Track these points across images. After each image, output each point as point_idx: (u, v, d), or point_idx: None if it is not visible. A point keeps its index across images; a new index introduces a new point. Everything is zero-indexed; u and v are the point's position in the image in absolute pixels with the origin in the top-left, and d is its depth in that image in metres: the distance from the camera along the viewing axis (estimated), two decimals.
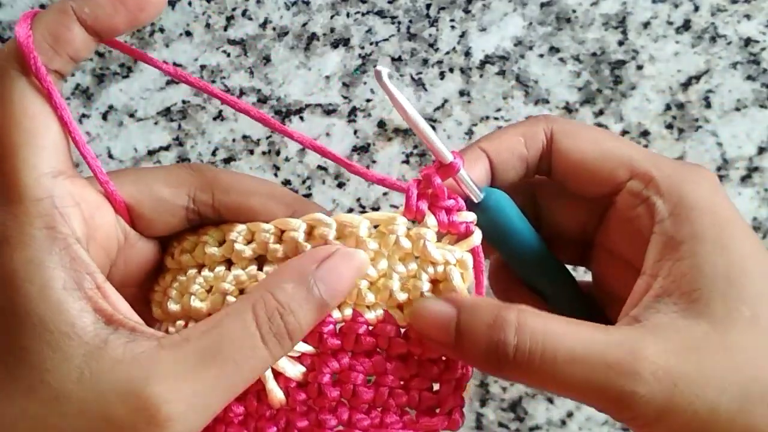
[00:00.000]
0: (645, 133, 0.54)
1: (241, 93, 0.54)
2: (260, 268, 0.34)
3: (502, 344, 0.30)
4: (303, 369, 0.34)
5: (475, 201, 0.34)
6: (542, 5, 0.54)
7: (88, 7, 0.30)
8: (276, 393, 0.33)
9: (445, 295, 0.33)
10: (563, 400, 0.55)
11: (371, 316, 0.34)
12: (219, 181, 0.35)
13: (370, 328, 0.34)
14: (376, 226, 0.34)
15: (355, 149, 0.55)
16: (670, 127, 0.54)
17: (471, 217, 0.34)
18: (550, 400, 0.55)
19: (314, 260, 0.31)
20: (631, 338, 0.30)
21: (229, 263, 0.35)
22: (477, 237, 0.34)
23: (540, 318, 0.30)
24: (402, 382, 0.34)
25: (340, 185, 0.55)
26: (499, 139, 0.35)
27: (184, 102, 0.55)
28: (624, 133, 0.54)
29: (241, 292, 0.34)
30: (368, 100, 0.54)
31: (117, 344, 0.28)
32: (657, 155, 0.34)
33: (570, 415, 0.55)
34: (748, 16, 0.54)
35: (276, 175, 0.55)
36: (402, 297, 0.34)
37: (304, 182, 0.55)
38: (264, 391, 0.33)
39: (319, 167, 0.55)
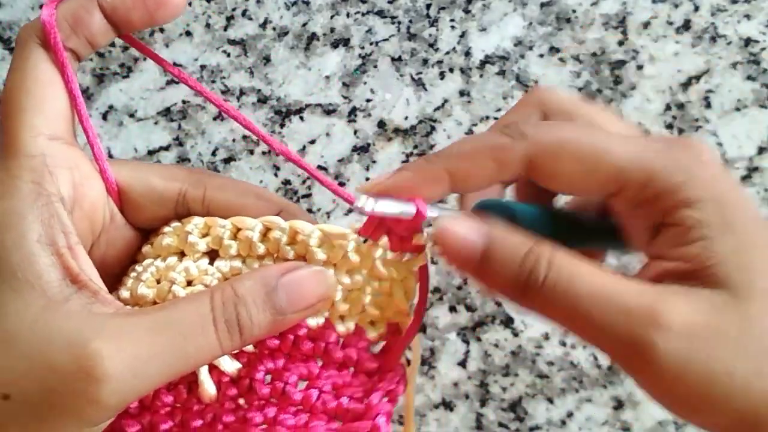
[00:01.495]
0: (645, 133, 0.54)
1: (241, 93, 0.54)
2: (211, 263, 0.34)
3: (534, 272, 0.30)
4: (239, 365, 0.34)
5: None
6: (542, 5, 0.54)
7: None
8: (207, 386, 0.33)
9: (472, 222, 0.31)
10: (563, 400, 0.55)
11: (312, 322, 0.34)
12: (213, 181, 0.35)
13: (310, 334, 0.34)
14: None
15: (355, 149, 0.55)
16: (670, 127, 0.54)
17: (422, 240, 0.33)
18: (550, 400, 0.55)
19: (282, 269, 0.32)
20: (654, 291, 0.30)
21: (182, 255, 0.35)
22: (424, 258, 0.34)
23: (571, 257, 0.30)
24: (334, 390, 0.34)
25: (340, 185, 0.55)
26: (468, 163, 0.32)
27: (184, 102, 0.55)
28: None
29: (189, 283, 0.34)
30: (368, 100, 0.54)
31: (76, 303, 0.29)
32: (646, 144, 0.32)
33: (570, 415, 0.55)
34: (748, 16, 0.54)
35: (276, 175, 0.55)
36: (344, 308, 0.34)
37: (303, 182, 0.55)
38: (195, 383, 0.34)
39: (319, 167, 0.55)
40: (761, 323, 0.29)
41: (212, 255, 0.35)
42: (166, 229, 0.35)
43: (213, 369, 0.34)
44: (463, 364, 0.55)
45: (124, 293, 0.35)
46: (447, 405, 0.56)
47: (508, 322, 0.55)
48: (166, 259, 0.35)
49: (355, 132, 0.55)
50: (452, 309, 0.55)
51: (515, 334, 0.55)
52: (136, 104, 0.55)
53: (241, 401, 0.34)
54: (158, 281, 0.35)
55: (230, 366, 0.34)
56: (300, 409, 0.33)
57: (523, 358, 0.55)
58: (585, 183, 0.32)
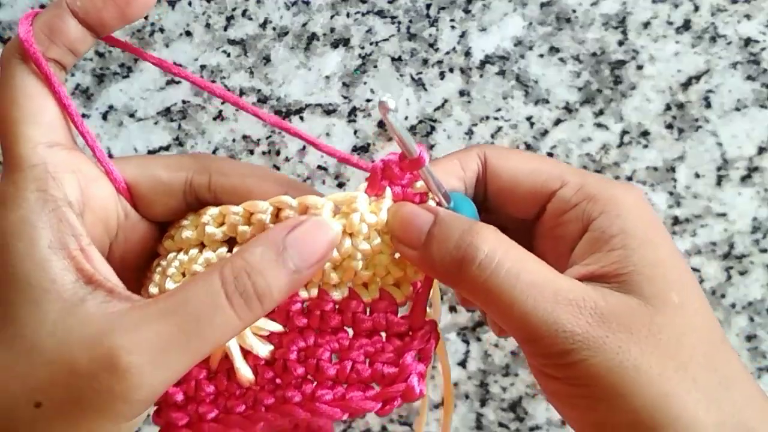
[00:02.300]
0: (645, 133, 0.54)
1: (241, 93, 0.54)
2: (231, 251, 0.35)
3: (472, 248, 0.31)
4: (271, 347, 0.34)
5: (441, 194, 0.35)
6: (542, 5, 0.54)
7: (79, 0, 0.32)
8: (244, 371, 0.34)
9: (423, 206, 0.34)
10: None
11: (337, 294, 0.34)
12: (216, 165, 0.36)
13: (336, 306, 0.34)
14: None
15: (355, 149, 0.55)
16: (670, 127, 0.54)
17: (423, 187, 0.35)
18: None
19: (285, 228, 0.32)
20: (582, 285, 0.32)
21: (203, 246, 0.36)
22: (432, 202, 0.35)
23: (512, 242, 0.32)
24: (366, 358, 0.34)
25: (340, 185, 0.55)
26: (439, 164, 0.36)
27: (184, 102, 0.55)
28: (624, 133, 0.54)
29: None
30: (368, 100, 0.54)
31: (92, 303, 0.29)
32: (588, 172, 0.36)
33: None
34: (748, 16, 0.54)
35: None
36: (366, 274, 0.34)
37: (304, 182, 0.55)
38: (233, 370, 0.34)
39: (319, 167, 0.55)
40: (667, 332, 0.31)
41: (231, 243, 0.35)
42: (184, 222, 0.36)
43: (248, 354, 0.35)
44: (463, 364, 0.55)
45: (153, 289, 0.36)
46: None
47: None
48: (188, 252, 0.35)
49: (355, 132, 0.55)
50: (452, 309, 0.55)
51: None
52: (136, 104, 0.55)
53: (279, 382, 0.34)
54: (183, 274, 0.35)
55: (263, 350, 0.34)
56: (336, 381, 0.34)
57: (523, 358, 0.55)
58: (531, 178, 0.36)
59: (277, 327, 0.35)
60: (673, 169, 0.54)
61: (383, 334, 0.34)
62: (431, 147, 0.55)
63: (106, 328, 0.29)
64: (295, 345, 0.34)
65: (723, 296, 0.55)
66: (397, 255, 0.35)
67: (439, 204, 0.35)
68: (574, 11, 0.54)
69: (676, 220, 0.55)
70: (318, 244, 0.32)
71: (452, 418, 0.55)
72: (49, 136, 0.32)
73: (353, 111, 0.55)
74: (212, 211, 0.35)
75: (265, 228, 0.34)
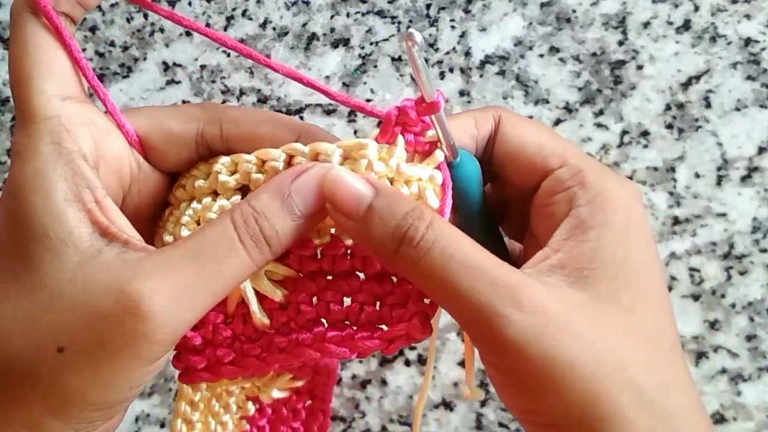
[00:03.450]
0: (645, 133, 0.54)
1: (241, 93, 0.54)
2: (244, 198, 0.35)
3: (412, 228, 0.31)
4: (285, 292, 0.35)
5: (449, 145, 0.35)
6: (542, 5, 0.54)
7: None
8: (260, 315, 0.35)
9: (363, 175, 0.34)
10: None
11: (349, 239, 0.35)
12: (227, 115, 0.36)
13: (349, 251, 0.35)
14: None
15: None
16: (670, 127, 0.54)
17: (434, 135, 0.35)
18: None
19: (290, 175, 0.33)
20: (522, 274, 0.32)
21: (215, 194, 0.36)
22: (440, 154, 0.35)
23: (451, 225, 0.32)
24: (376, 300, 0.34)
25: None
26: (454, 119, 0.36)
27: (184, 102, 0.55)
28: (624, 133, 0.54)
29: None
30: (368, 100, 0.54)
31: (109, 254, 0.30)
32: (592, 160, 0.36)
33: None
34: (748, 16, 0.54)
35: None
36: None
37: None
38: (249, 315, 0.35)
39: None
40: (609, 330, 0.31)
41: (244, 190, 0.36)
42: (194, 171, 0.37)
43: (263, 299, 0.35)
44: (463, 364, 0.55)
45: (167, 237, 0.36)
46: (447, 405, 0.56)
47: None
48: (201, 201, 0.36)
49: (355, 132, 0.55)
50: None
51: None
52: (136, 104, 0.55)
53: (293, 325, 0.35)
54: (198, 222, 0.36)
55: (277, 294, 0.35)
56: (346, 323, 0.34)
57: None
58: (535, 150, 0.36)
59: (290, 272, 0.35)
60: (673, 169, 0.54)
61: (393, 279, 0.35)
62: None
63: (127, 274, 0.29)
64: (308, 289, 0.35)
65: (723, 296, 0.55)
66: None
67: (446, 157, 0.35)
68: (574, 11, 0.54)
69: (676, 220, 0.55)
70: (322, 190, 0.33)
71: (449, 416, 0.55)
72: (63, 89, 0.32)
73: (353, 111, 0.55)
74: (224, 159, 0.36)
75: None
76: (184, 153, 0.36)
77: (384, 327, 0.34)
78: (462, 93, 0.54)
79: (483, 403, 0.56)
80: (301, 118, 0.54)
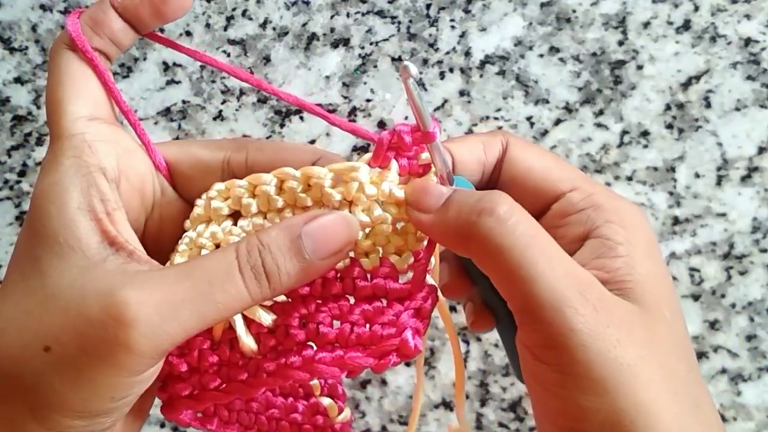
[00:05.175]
0: (645, 133, 0.54)
1: (241, 93, 0.54)
2: (236, 224, 0.36)
3: (492, 203, 0.32)
4: (274, 317, 0.35)
5: (446, 173, 0.35)
6: (542, 5, 0.54)
7: None
8: (247, 340, 0.35)
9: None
10: None
11: (339, 263, 0.35)
12: (254, 143, 0.38)
13: (339, 274, 0.35)
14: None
15: (355, 149, 0.55)
16: (670, 127, 0.54)
17: (428, 158, 0.35)
18: None
19: (306, 218, 0.33)
20: (590, 273, 0.32)
21: (210, 220, 0.36)
22: (432, 178, 0.35)
23: (528, 214, 0.32)
24: (366, 322, 0.34)
25: None
26: (463, 142, 0.37)
27: (184, 102, 0.55)
28: (624, 133, 0.54)
29: (217, 246, 0.35)
30: (368, 100, 0.54)
31: (112, 263, 0.31)
32: (598, 183, 0.37)
33: None
34: (748, 16, 0.54)
35: None
36: (367, 244, 0.35)
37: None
38: (236, 340, 0.35)
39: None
40: (659, 342, 0.31)
41: (238, 216, 0.36)
42: (198, 201, 0.37)
43: (251, 323, 0.35)
44: (463, 364, 0.55)
45: (179, 259, 0.36)
46: (447, 405, 0.56)
47: None
48: (196, 228, 0.36)
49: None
50: (452, 309, 0.55)
51: None
52: (136, 104, 0.55)
53: (281, 348, 0.35)
54: (191, 250, 0.36)
55: (266, 318, 0.35)
56: (336, 345, 0.34)
57: None
58: (544, 174, 0.36)
59: (280, 297, 0.35)
60: (673, 169, 0.54)
61: (384, 301, 0.35)
62: None
63: (120, 282, 0.30)
64: (297, 312, 0.35)
65: (723, 296, 0.55)
66: (399, 225, 0.35)
67: (441, 183, 0.35)
68: (574, 11, 0.54)
69: (676, 220, 0.55)
70: (334, 238, 0.33)
71: (454, 415, 0.55)
72: (91, 111, 0.35)
73: (353, 111, 0.55)
74: (218, 186, 0.36)
75: (269, 199, 0.35)
76: (210, 180, 0.37)
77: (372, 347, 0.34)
78: (462, 93, 0.54)
79: (483, 403, 0.56)
80: (301, 118, 0.54)
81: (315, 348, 0.34)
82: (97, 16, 0.35)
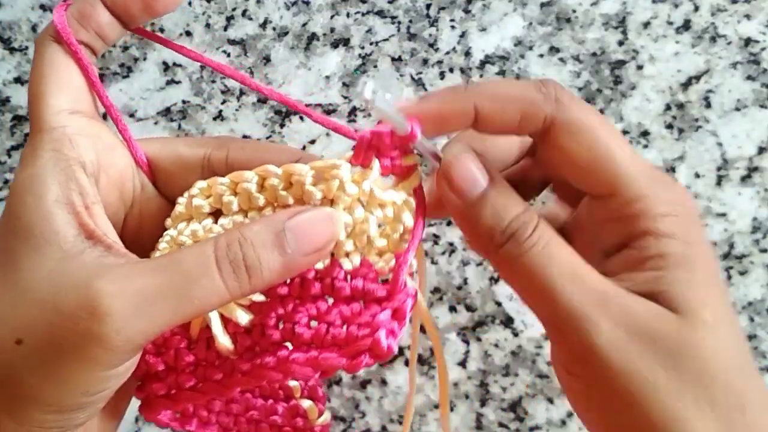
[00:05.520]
0: (645, 133, 0.54)
1: (241, 93, 0.54)
2: (216, 222, 0.35)
3: (523, 227, 0.31)
4: (251, 316, 0.34)
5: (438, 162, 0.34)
6: (542, 5, 0.54)
7: None
8: (223, 340, 0.34)
9: (481, 162, 0.33)
10: (563, 400, 0.55)
11: (318, 263, 0.34)
12: (235, 142, 0.37)
13: (318, 275, 0.34)
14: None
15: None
16: (670, 127, 0.54)
17: (413, 160, 0.34)
18: (550, 400, 0.55)
19: (290, 213, 0.32)
20: (614, 286, 0.31)
21: (191, 219, 0.36)
22: (416, 178, 0.35)
23: (553, 230, 0.32)
24: (344, 323, 0.34)
25: None
26: (498, 105, 0.32)
27: (184, 102, 0.55)
28: (624, 133, 0.54)
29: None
30: (368, 101, 0.54)
31: (89, 255, 0.30)
32: (648, 168, 0.33)
33: (570, 415, 0.55)
34: (748, 16, 0.54)
35: None
36: (348, 243, 0.34)
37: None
38: (212, 339, 0.34)
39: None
40: (694, 350, 0.30)
41: (219, 215, 0.36)
42: (180, 199, 0.36)
43: (228, 323, 0.35)
44: (463, 364, 0.55)
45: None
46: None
47: (508, 322, 0.55)
48: (177, 227, 0.36)
49: (355, 132, 0.55)
50: (452, 309, 0.55)
51: (515, 334, 0.55)
52: (136, 104, 0.55)
53: (257, 349, 0.34)
54: (172, 248, 0.35)
55: (243, 317, 0.34)
56: (312, 346, 0.34)
57: (523, 358, 0.55)
58: (583, 172, 0.32)
59: (258, 296, 0.34)
60: (673, 169, 0.54)
61: (362, 302, 0.34)
62: None
63: (95, 274, 0.29)
64: (274, 312, 0.34)
65: None
66: (381, 227, 0.34)
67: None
68: (574, 11, 0.54)
69: None
70: (318, 234, 0.32)
71: (450, 417, 0.55)
72: (72, 104, 0.34)
73: (353, 111, 0.55)
74: (200, 183, 0.36)
75: (250, 197, 0.34)
76: (191, 177, 0.36)
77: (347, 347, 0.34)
78: None
79: (483, 403, 0.56)
80: (301, 118, 0.54)
81: (291, 348, 0.34)
82: (85, 9, 0.35)
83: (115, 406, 0.33)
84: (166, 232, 0.36)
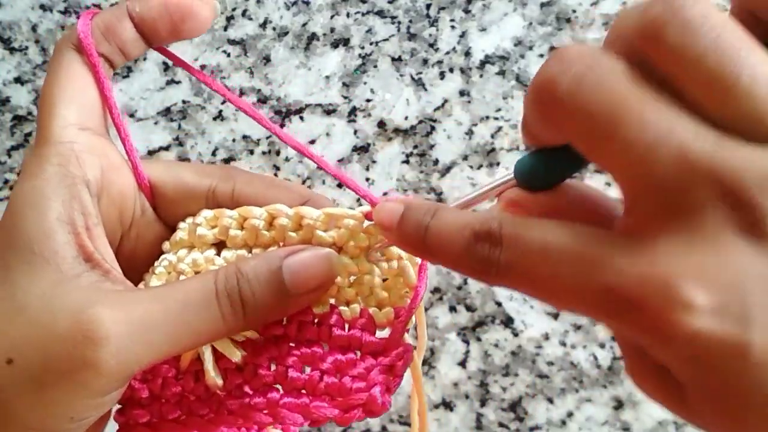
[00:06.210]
0: None
1: (241, 93, 0.55)
2: (219, 254, 0.35)
3: (428, 213, 0.29)
4: (243, 353, 0.34)
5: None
6: (542, 5, 0.54)
7: (138, 6, 0.34)
8: (212, 374, 0.34)
9: (404, 199, 0.32)
10: (563, 400, 0.55)
11: (318, 309, 0.34)
12: (242, 175, 0.36)
13: (316, 320, 0.34)
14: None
15: (355, 149, 0.55)
16: None
17: None
18: (550, 400, 0.55)
19: (287, 251, 0.33)
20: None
21: (192, 247, 0.36)
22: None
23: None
24: (337, 371, 0.34)
25: (340, 185, 0.55)
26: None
27: (184, 102, 0.55)
28: None
29: (197, 274, 0.35)
30: (368, 100, 0.54)
31: (86, 279, 0.30)
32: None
33: (570, 415, 0.55)
34: None
35: (276, 175, 0.55)
36: (350, 292, 0.34)
37: (304, 182, 0.55)
38: (202, 372, 0.34)
39: (319, 167, 0.55)
40: None
41: (221, 246, 0.35)
42: (181, 224, 0.36)
43: (219, 358, 0.34)
44: (463, 364, 0.55)
45: (140, 287, 0.35)
46: (447, 405, 0.56)
47: (508, 322, 0.55)
48: (177, 252, 0.35)
49: (355, 132, 0.55)
50: (452, 309, 0.55)
51: (515, 334, 0.55)
52: (136, 104, 0.55)
53: (247, 388, 0.34)
54: (172, 274, 0.35)
55: (235, 354, 0.34)
56: (303, 392, 0.34)
57: (523, 358, 0.55)
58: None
59: (253, 334, 0.34)
60: None
61: (358, 353, 0.34)
62: (431, 147, 0.55)
63: (93, 299, 0.29)
64: (269, 353, 0.34)
65: None
66: (385, 279, 0.35)
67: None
68: (574, 11, 0.54)
69: None
70: (314, 274, 0.32)
71: (449, 417, 0.55)
72: (82, 119, 0.33)
73: (353, 111, 0.55)
74: (206, 213, 0.35)
75: (257, 234, 0.34)
76: (193, 206, 0.36)
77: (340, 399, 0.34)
78: (462, 93, 0.54)
79: (483, 403, 0.56)
80: (301, 118, 0.54)
81: (281, 391, 0.34)
82: (111, 22, 0.34)
83: (93, 429, 0.32)
84: (163, 256, 0.36)
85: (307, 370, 0.34)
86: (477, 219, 0.27)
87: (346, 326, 0.34)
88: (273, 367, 0.34)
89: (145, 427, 0.34)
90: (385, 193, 0.34)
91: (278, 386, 0.34)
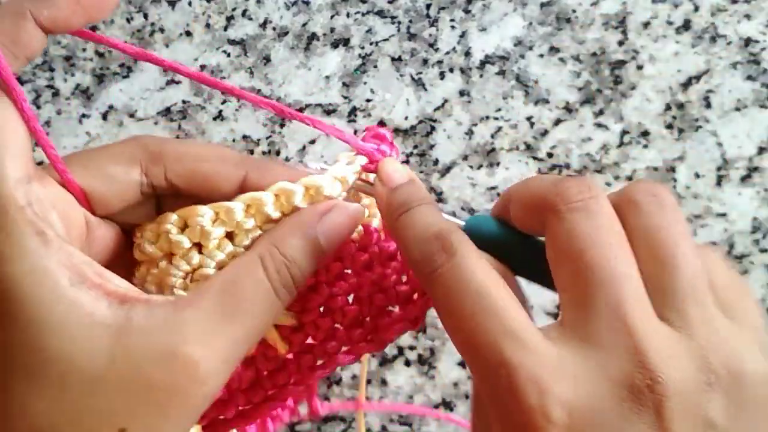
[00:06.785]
0: (645, 133, 0.54)
1: None
2: (200, 252, 0.34)
3: (402, 195, 0.33)
4: (293, 314, 0.36)
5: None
6: (542, 5, 0.54)
7: (47, 10, 0.29)
8: (278, 346, 0.36)
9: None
10: None
11: (377, 222, 0.36)
12: (169, 152, 0.34)
13: (382, 236, 0.36)
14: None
15: None
16: (670, 127, 0.54)
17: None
18: None
19: (316, 215, 0.33)
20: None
21: (171, 255, 0.34)
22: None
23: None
24: (377, 287, 0.36)
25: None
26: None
27: (184, 102, 0.55)
28: (624, 133, 0.54)
29: (186, 276, 0.34)
30: (368, 100, 0.54)
31: (139, 318, 0.29)
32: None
33: None
34: (748, 16, 0.54)
35: None
36: (368, 203, 0.36)
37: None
38: (267, 349, 0.36)
39: (320, 168, 0.55)
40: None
41: (230, 237, 0.34)
42: (144, 233, 0.35)
43: (278, 327, 0.36)
44: (463, 364, 0.55)
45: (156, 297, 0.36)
46: (447, 405, 0.56)
47: None
48: (157, 266, 0.34)
49: (355, 132, 0.55)
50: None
51: None
52: (136, 104, 0.55)
53: (311, 341, 0.36)
54: (184, 278, 0.34)
55: (289, 318, 0.36)
56: (362, 318, 0.36)
57: None
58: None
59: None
60: (673, 169, 0.54)
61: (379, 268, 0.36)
62: (431, 147, 0.55)
63: (171, 339, 0.28)
64: (315, 302, 0.36)
65: None
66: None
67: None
68: (574, 11, 0.54)
69: None
70: (345, 227, 0.34)
71: (449, 417, 0.55)
72: (24, 170, 0.29)
73: (353, 111, 0.55)
74: (172, 218, 0.34)
75: (267, 215, 0.34)
76: (129, 196, 0.34)
77: (395, 309, 0.35)
78: (462, 93, 0.54)
79: None
80: None
81: (341, 327, 0.36)
82: (18, 36, 0.29)
83: None
84: (147, 271, 0.35)
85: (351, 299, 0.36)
86: (448, 225, 0.31)
87: (382, 235, 0.37)
88: (324, 311, 0.36)
89: (239, 417, 0.36)
90: (382, 124, 0.34)
91: (338, 326, 0.36)
